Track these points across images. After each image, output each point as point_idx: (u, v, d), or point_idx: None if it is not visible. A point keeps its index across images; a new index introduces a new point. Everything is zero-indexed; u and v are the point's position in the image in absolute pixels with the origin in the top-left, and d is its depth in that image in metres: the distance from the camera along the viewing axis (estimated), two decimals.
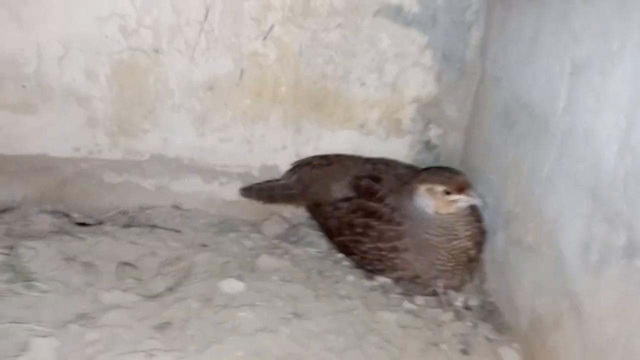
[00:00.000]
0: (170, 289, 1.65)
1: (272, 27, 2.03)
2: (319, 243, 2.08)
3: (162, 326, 1.43)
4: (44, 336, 1.34)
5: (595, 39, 1.36)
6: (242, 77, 2.09)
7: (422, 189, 1.80)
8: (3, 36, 1.99)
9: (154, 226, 2.04)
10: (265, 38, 2.05)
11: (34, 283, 1.57)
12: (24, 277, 1.60)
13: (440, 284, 1.88)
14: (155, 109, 2.10)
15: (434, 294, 1.88)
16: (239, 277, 1.67)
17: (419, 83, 2.17)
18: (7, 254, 1.70)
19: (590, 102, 1.37)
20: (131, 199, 2.19)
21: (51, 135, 2.11)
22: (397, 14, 2.05)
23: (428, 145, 2.27)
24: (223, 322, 1.46)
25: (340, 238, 2.00)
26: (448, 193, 1.77)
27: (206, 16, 2.01)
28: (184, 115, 2.12)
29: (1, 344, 1.37)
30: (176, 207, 2.20)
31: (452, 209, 1.79)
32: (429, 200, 1.79)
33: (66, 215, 2.08)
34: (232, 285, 1.63)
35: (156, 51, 2.03)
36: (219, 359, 1.32)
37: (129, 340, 1.34)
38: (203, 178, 2.21)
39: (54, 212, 2.07)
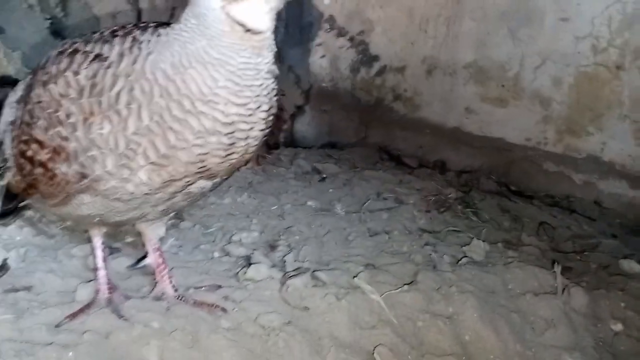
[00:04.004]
0: (576, 252, 2.04)
1: None
2: None
3: (565, 268, 1.83)
4: (479, 240, 1.97)
5: None
6: None
7: None
8: (498, 47, 2.72)
9: (573, 211, 2.43)
10: None
11: (479, 213, 2.25)
12: (471, 209, 2.30)
13: None
14: (602, 115, 2.47)
15: None
16: (638, 262, 1.91)
17: None
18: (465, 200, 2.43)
19: None
20: (559, 187, 2.63)
21: (511, 125, 2.76)
22: None
23: None
24: (614, 282, 1.79)
25: None
26: None
27: None
28: (627, 125, 2.40)
29: (449, 239, 2.06)
30: (596, 203, 2.51)
31: None
32: None
33: (506, 185, 2.70)
34: (630, 265, 1.90)
35: (618, 67, 2.38)
36: (603, 299, 1.68)
37: (537, 264, 1.84)
38: (629, 184, 2.45)
39: (497, 181, 2.72)
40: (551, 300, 1.62)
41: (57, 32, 2.41)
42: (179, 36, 1.07)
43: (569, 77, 2.53)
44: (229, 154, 1.12)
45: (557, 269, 1.70)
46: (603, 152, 2.50)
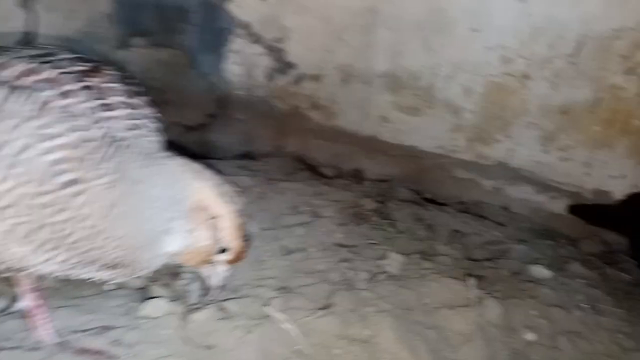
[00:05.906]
0: (488, 260, 2.06)
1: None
2: (635, 272, 2.14)
3: (478, 277, 1.84)
4: (395, 253, 1.93)
5: None
6: (597, 106, 2.32)
7: None
8: (412, 57, 2.74)
9: (483, 217, 2.48)
10: (629, 73, 2.23)
11: (395, 224, 2.22)
12: (388, 220, 2.27)
13: None
14: (510, 124, 2.54)
15: None
16: (547, 267, 1.96)
17: None
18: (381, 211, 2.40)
19: None
20: (471, 194, 2.68)
21: (424, 133, 2.78)
22: None
23: None
24: (526, 289, 1.80)
25: None
26: None
27: (576, 51, 2.32)
28: (533, 132, 2.49)
29: (366, 253, 2.01)
30: (505, 208, 2.59)
31: None
32: None
33: (420, 193, 2.71)
34: (539, 271, 1.94)
35: (525, 77, 2.46)
36: (515, 308, 1.68)
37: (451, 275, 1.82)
38: (535, 189, 2.54)
39: (412, 189, 2.73)
40: (466, 314, 1.61)
41: None
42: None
43: (479, 87, 2.58)
44: None
45: (470, 281, 1.70)
46: (511, 159, 2.57)
